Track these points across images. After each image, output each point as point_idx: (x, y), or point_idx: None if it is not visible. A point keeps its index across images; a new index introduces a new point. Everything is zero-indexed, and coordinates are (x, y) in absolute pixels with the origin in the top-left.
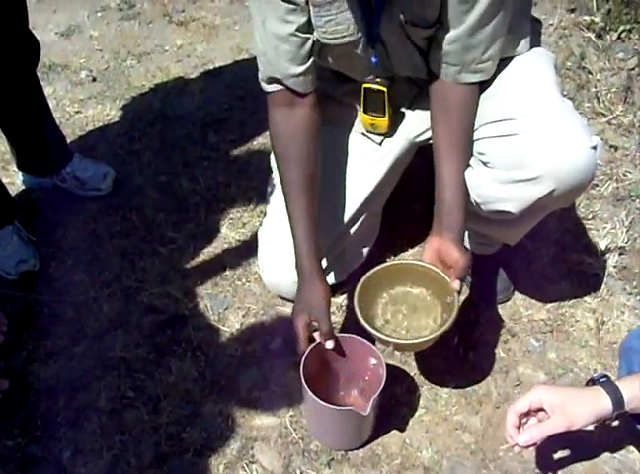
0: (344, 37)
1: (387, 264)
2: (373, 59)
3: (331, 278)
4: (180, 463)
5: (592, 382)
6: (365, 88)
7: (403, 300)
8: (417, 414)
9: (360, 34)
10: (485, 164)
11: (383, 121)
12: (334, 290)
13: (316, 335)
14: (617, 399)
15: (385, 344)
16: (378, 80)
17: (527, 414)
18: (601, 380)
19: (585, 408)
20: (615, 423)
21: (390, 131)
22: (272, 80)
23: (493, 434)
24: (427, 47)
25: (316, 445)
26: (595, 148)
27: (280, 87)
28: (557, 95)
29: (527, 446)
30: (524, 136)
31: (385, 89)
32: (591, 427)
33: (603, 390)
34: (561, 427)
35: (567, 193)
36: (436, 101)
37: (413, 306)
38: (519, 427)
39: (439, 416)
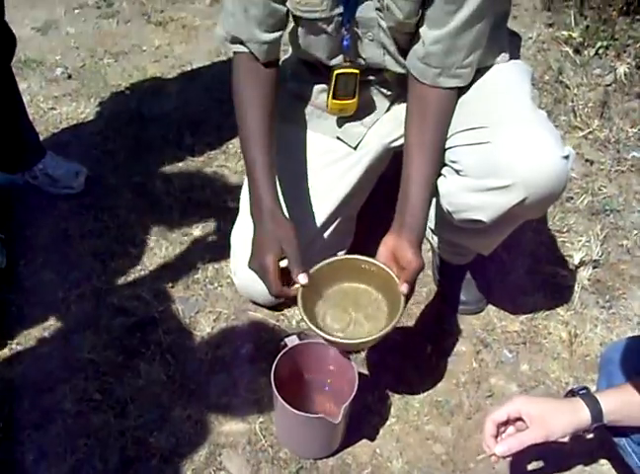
0: (315, 11)
1: (336, 259)
2: (345, 42)
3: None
4: (146, 469)
5: (571, 393)
6: (337, 74)
7: (350, 298)
8: (388, 423)
9: (334, 12)
10: (457, 172)
11: (352, 103)
12: None
13: (289, 341)
14: (596, 412)
15: (327, 342)
16: (347, 64)
17: (505, 423)
18: (581, 392)
19: (564, 419)
20: (590, 435)
21: (357, 113)
22: (235, 40)
23: (464, 444)
24: (404, 43)
25: (285, 453)
26: (567, 158)
27: (242, 49)
28: (530, 104)
29: (505, 457)
30: (496, 144)
31: (357, 71)
32: (565, 438)
33: (583, 402)
34: (539, 438)
35: (539, 202)
36: (412, 102)
37: (359, 305)
38: (496, 436)
39: (410, 425)
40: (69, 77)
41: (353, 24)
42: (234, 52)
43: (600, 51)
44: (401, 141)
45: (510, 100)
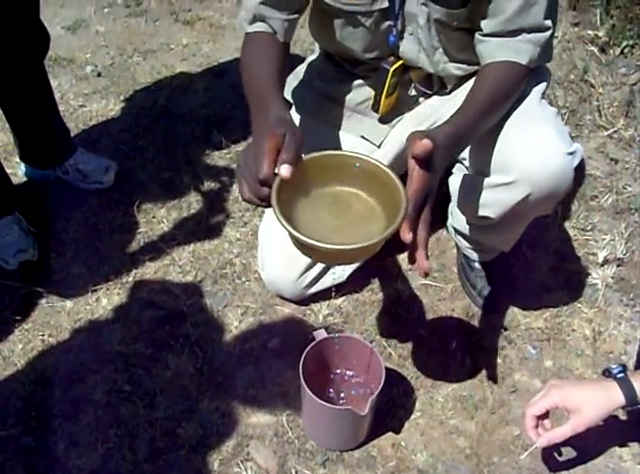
0: (356, 4)
1: (324, 153)
2: (392, 38)
3: (328, 280)
4: (175, 459)
5: (608, 373)
6: (393, 71)
7: (338, 202)
8: (413, 417)
9: (374, 7)
10: (467, 169)
11: (393, 99)
12: (331, 293)
13: (317, 334)
14: (631, 396)
15: (304, 247)
16: (392, 59)
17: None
18: (619, 376)
19: (599, 409)
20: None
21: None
22: (257, 19)
23: (488, 439)
24: (452, 42)
25: (311, 445)
26: (572, 154)
27: (262, 27)
28: (538, 101)
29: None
30: (502, 141)
31: (403, 62)
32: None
33: (618, 387)
34: (578, 429)
35: (544, 198)
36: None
37: (348, 211)
38: (536, 426)
39: (434, 420)
40: (99, 75)
41: (400, 19)
42: (246, 34)
43: (626, 50)
44: None
45: (518, 99)
